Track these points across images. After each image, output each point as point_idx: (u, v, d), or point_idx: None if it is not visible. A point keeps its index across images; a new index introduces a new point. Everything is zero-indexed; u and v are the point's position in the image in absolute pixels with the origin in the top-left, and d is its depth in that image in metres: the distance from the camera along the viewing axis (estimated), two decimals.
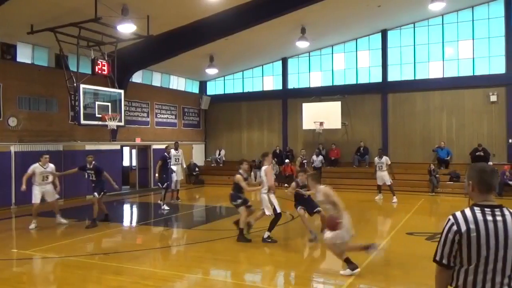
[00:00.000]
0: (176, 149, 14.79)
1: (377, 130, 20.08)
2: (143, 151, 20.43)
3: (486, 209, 2.47)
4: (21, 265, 7.61)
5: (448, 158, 18.16)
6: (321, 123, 19.72)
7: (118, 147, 18.72)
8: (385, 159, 15.09)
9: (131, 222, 12.95)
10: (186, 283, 6.58)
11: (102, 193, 10.99)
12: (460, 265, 2.45)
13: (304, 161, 19.51)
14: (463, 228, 2.41)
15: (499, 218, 2.43)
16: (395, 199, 14.56)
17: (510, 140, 17.48)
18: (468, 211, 2.48)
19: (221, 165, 22.93)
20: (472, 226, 2.40)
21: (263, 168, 8.85)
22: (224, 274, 7.08)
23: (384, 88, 19.91)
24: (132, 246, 9.03)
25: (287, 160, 20.26)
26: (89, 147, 16.85)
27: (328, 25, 18.15)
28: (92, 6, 11.58)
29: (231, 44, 17.73)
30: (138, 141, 19.63)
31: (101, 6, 11.60)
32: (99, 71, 13.83)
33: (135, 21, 12.67)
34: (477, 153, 17.39)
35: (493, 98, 17.68)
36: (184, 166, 15.84)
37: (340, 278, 6.63)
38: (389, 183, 14.85)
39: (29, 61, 15.27)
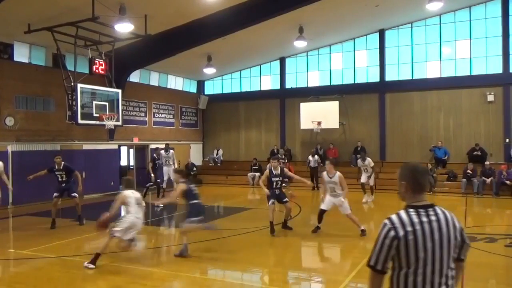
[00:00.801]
0: (166, 150, 14.98)
1: (375, 129, 20.11)
2: (140, 151, 20.40)
3: (420, 210, 2.44)
4: (18, 265, 7.59)
5: (446, 157, 18.20)
6: (319, 123, 19.73)
7: (116, 146, 18.69)
8: (368, 161, 14.67)
9: None
10: (184, 282, 6.58)
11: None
12: (399, 269, 2.41)
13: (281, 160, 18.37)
14: (401, 233, 2.36)
15: (433, 218, 2.42)
16: (367, 199, 14.41)
17: (507, 140, 17.53)
18: (403, 214, 2.44)
19: (219, 164, 22.92)
20: (409, 229, 2.36)
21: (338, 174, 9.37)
22: (222, 273, 7.08)
23: (382, 88, 19.94)
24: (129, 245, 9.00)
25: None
26: (86, 146, 16.83)
27: (326, 25, 18.16)
28: (89, 5, 11.54)
29: (229, 44, 17.72)
30: (135, 140, 19.60)
31: (98, 5, 11.58)
32: (97, 71, 13.79)
33: (132, 20, 12.64)
34: (474, 153, 17.45)
35: (490, 98, 17.72)
36: (175, 166, 15.78)
37: (338, 277, 6.64)
38: (372, 184, 14.78)
39: (26, 61, 15.22)
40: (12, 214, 12.99)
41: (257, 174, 20.70)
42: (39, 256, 7.88)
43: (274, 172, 9.52)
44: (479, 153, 17.35)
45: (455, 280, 2.53)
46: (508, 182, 15.65)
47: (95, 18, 11.87)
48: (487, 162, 16.67)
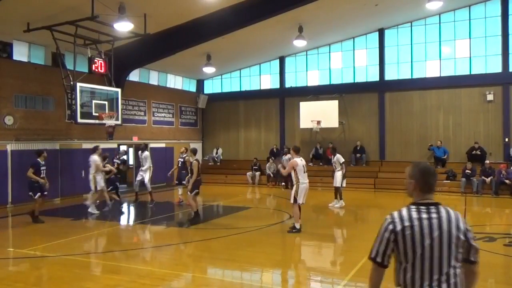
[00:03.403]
0: (142, 151, 14.90)
1: (374, 128, 20.11)
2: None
3: (421, 207, 2.51)
4: (18, 264, 7.59)
5: (445, 157, 18.21)
6: (318, 122, 19.74)
7: (115, 145, 18.66)
8: (336, 158, 13.35)
9: (128, 221, 12.91)
10: (183, 282, 6.58)
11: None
12: (400, 264, 2.49)
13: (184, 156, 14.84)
14: (399, 227, 2.46)
15: (434, 215, 2.47)
16: (335, 204, 13.13)
17: (506, 139, 17.54)
18: (404, 210, 2.53)
19: (218, 163, 22.91)
20: (407, 224, 2.45)
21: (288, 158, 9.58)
22: (221, 273, 7.08)
23: (381, 87, 19.93)
24: (128, 245, 9.02)
25: None
26: (86, 145, 16.80)
27: (326, 24, 18.14)
28: (88, 4, 11.53)
29: (228, 43, 17.70)
30: (135, 139, 19.57)
31: (98, 4, 11.55)
32: (96, 70, 13.79)
33: (132, 19, 12.62)
34: (473, 152, 17.45)
35: (490, 97, 17.72)
36: (143, 168, 14.90)
37: (337, 277, 6.66)
38: (338, 185, 13.11)
39: (25, 59, 15.18)
40: (11, 213, 12.99)
41: (257, 173, 20.75)
42: (38, 255, 7.88)
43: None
44: (478, 152, 17.35)
45: (470, 284, 2.55)
46: (507, 181, 15.66)
47: (95, 17, 11.85)
48: (486, 161, 16.68)
